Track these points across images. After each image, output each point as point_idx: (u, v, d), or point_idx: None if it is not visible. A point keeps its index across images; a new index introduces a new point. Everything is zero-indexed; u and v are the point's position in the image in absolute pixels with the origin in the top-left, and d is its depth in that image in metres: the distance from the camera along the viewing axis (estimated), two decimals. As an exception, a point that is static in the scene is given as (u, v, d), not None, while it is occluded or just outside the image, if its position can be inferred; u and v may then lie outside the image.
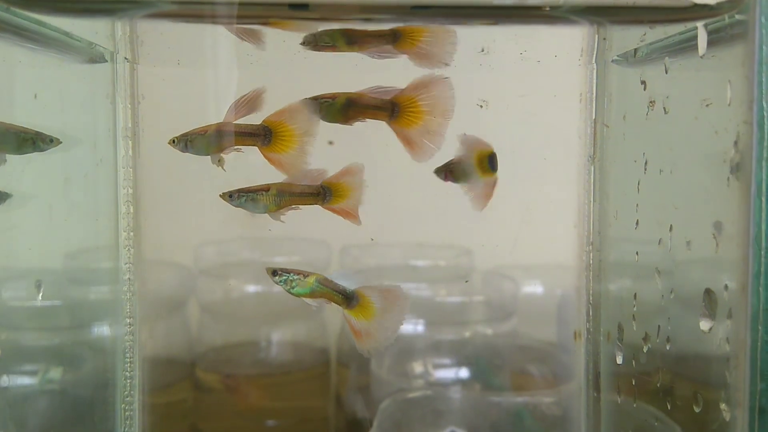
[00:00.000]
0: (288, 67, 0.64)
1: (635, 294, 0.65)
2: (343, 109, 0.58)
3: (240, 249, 1.06)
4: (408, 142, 0.59)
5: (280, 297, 1.03)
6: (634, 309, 0.64)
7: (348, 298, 0.62)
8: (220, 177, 0.61)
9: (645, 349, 0.62)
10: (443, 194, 0.80)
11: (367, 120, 0.59)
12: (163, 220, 0.77)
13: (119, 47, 0.67)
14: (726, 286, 0.48)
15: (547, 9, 0.53)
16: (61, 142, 0.55)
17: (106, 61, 0.67)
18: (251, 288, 1.05)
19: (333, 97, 0.58)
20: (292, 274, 0.63)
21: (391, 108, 0.58)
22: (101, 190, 0.67)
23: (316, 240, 1.06)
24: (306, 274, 0.63)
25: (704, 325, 0.51)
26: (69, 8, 0.53)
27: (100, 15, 0.59)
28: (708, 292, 0.50)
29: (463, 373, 1.00)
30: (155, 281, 0.81)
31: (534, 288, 1.04)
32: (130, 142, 0.70)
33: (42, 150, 0.54)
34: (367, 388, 0.96)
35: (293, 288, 0.63)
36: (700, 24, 0.48)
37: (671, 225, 0.57)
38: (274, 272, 0.63)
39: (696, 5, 0.47)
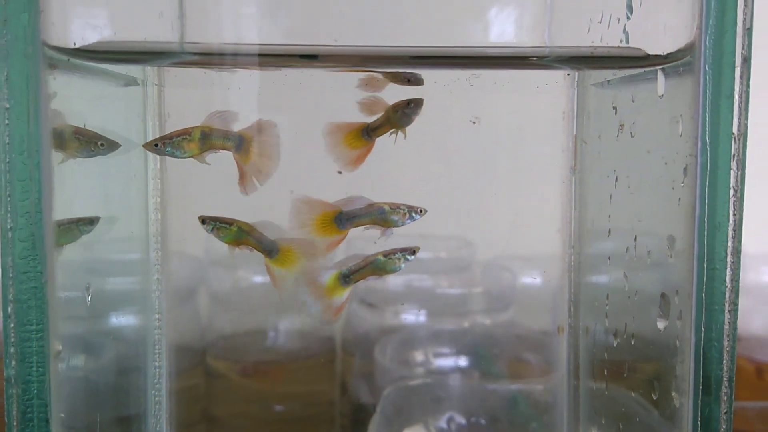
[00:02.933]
0: (300, 85, 0.71)
1: (607, 294, 0.72)
2: (200, 141, 0.63)
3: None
4: (241, 174, 0.64)
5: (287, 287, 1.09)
6: (607, 308, 0.72)
7: (268, 249, 0.66)
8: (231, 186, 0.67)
9: (615, 344, 0.69)
10: (444, 190, 0.87)
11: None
12: (186, 223, 0.83)
13: (148, 75, 0.75)
14: (677, 292, 0.56)
15: (534, 59, 0.60)
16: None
17: (138, 84, 0.74)
18: (259, 278, 1.07)
19: (188, 132, 0.63)
20: (218, 222, 0.66)
21: (239, 141, 0.63)
22: (134, 200, 0.75)
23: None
24: (231, 222, 0.66)
25: (660, 324, 0.59)
26: (108, 58, 0.62)
27: (132, 63, 0.68)
28: (663, 296, 0.58)
29: (463, 361, 1.04)
30: (178, 277, 0.88)
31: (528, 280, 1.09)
32: (158, 157, 0.77)
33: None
34: (370, 375, 1.01)
35: (221, 236, 0.66)
36: (659, 69, 0.56)
37: (636, 236, 0.65)
38: (203, 221, 0.66)
39: (650, 56, 0.55)
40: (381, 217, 0.67)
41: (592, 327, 0.76)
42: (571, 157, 0.79)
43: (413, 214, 0.67)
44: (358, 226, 0.67)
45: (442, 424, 0.96)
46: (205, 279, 1.05)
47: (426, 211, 0.67)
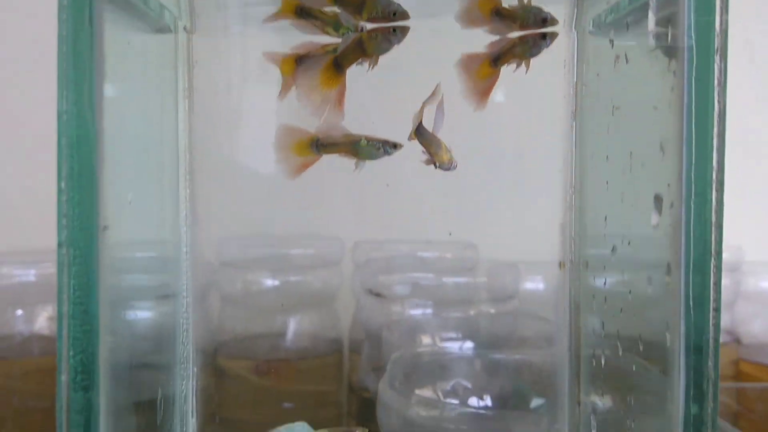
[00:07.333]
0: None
1: (605, 298, 0.73)
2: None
3: (259, 244, 1.15)
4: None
5: (296, 289, 1.12)
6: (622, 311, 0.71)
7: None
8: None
9: (620, 353, 0.69)
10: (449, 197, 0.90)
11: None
12: (210, 235, 0.88)
13: (182, 14, 0.77)
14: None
15: None
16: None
17: (171, 32, 0.76)
18: (269, 281, 1.12)
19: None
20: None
21: None
22: (168, 217, 0.77)
23: (330, 236, 1.13)
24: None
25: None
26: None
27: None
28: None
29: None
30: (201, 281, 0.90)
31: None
32: (188, 170, 0.80)
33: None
34: (377, 371, 1.02)
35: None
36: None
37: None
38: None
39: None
40: (354, 148, 0.69)
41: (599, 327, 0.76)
42: (571, 102, 0.80)
43: (387, 149, 0.69)
44: (332, 152, 0.70)
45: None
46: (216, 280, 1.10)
47: (402, 146, 0.69)
